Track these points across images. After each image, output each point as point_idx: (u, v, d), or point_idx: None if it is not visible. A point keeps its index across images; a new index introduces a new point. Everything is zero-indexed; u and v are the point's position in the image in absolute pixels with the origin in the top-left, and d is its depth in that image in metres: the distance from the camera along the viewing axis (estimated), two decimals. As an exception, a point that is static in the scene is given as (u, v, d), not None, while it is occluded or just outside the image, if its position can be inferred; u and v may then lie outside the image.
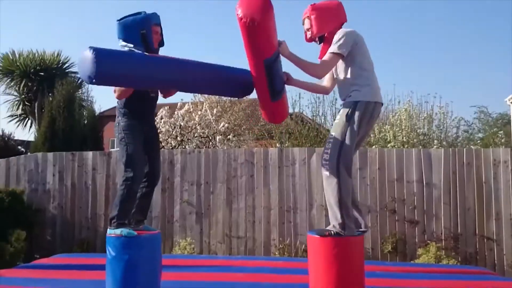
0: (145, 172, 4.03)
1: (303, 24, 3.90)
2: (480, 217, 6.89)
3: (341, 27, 3.82)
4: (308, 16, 3.82)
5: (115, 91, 3.83)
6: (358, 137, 3.70)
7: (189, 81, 3.92)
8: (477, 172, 6.96)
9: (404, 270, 5.62)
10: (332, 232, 3.54)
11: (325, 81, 4.11)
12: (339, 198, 3.53)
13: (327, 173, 3.58)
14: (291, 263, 5.92)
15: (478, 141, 18.42)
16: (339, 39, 3.66)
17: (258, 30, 3.41)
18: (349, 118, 3.62)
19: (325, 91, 4.22)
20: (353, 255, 3.58)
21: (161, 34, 4.12)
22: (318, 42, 3.91)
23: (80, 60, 3.26)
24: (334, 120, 3.80)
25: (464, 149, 7.12)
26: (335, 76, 3.97)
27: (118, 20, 3.94)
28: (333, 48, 3.66)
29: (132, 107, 3.95)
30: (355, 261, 3.58)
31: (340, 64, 3.79)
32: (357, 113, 3.62)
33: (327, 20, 3.80)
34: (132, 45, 3.91)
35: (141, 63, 3.56)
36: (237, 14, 3.42)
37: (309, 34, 3.87)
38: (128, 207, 3.88)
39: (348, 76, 3.75)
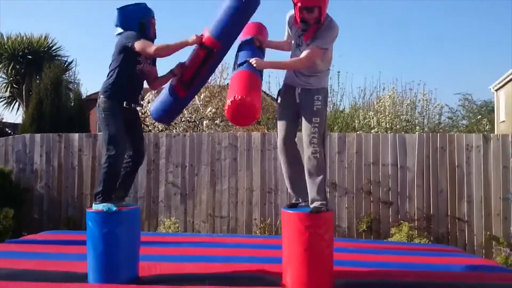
0: (129, 152, 4.21)
1: (312, 11, 3.70)
2: (452, 199, 7.20)
3: None
4: (319, 6, 3.69)
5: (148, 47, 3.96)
6: None
7: None
8: (450, 157, 7.25)
9: (377, 247, 5.88)
10: (323, 208, 3.77)
11: (287, 46, 4.23)
12: (325, 176, 3.86)
13: (317, 155, 3.81)
14: (270, 240, 6.16)
15: (462, 128, 18.78)
16: (331, 35, 3.80)
17: None
18: (324, 104, 3.88)
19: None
20: (327, 229, 3.81)
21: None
22: (309, 26, 3.82)
23: None
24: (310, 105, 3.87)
25: (438, 135, 7.40)
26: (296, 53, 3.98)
27: (118, 8, 4.12)
28: (323, 43, 3.77)
29: (119, 89, 4.07)
30: (326, 234, 3.81)
31: None
32: (327, 99, 3.93)
33: (326, 6, 3.79)
34: None
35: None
36: None
37: (312, 21, 3.76)
38: (112, 183, 4.04)
39: (316, 63, 3.88)
